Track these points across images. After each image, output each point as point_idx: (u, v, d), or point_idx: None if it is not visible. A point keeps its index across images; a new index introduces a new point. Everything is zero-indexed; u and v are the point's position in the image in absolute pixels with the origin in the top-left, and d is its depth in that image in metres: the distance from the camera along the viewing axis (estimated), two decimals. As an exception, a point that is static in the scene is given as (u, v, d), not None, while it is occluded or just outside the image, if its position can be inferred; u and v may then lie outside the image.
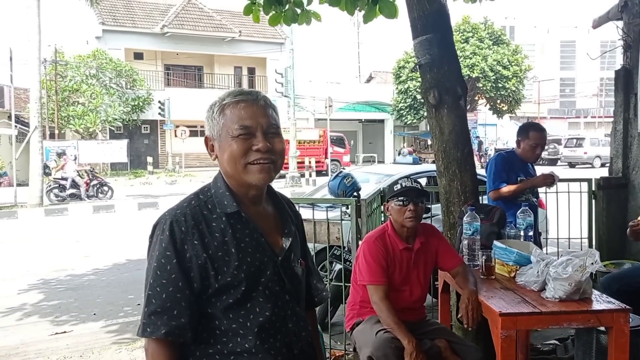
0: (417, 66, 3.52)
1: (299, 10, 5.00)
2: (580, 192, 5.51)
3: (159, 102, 26.91)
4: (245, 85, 33.17)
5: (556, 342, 4.32)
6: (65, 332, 5.43)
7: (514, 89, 30.36)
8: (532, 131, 4.09)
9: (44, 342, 5.15)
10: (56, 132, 25.21)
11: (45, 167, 17.45)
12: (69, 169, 16.94)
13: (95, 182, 17.50)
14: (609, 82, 49.64)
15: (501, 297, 2.63)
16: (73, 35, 30.08)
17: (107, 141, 25.88)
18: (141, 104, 27.43)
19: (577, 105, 52.36)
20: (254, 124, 1.49)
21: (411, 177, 3.13)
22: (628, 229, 3.73)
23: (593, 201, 5.50)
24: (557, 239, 5.62)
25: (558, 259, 2.66)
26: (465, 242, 3.20)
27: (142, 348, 4.94)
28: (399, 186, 2.91)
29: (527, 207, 3.42)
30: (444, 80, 3.43)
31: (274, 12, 4.91)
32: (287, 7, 4.95)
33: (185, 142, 27.18)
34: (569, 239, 5.65)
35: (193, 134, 29.94)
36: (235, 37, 30.49)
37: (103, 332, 5.43)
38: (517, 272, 2.88)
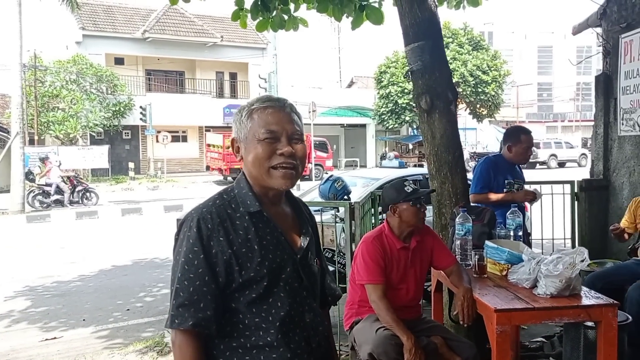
0: (409, 72, 3.62)
1: (286, 17, 5.08)
2: (564, 193, 5.67)
3: (141, 107, 26.69)
4: (227, 90, 33.12)
5: (543, 339, 4.44)
6: (55, 338, 5.41)
7: (493, 93, 30.76)
8: (522, 135, 4.25)
9: (34, 348, 5.13)
10: (36, 137, 24.89)
11: (29, 173, 17.31)
12: (54, 175, 16.74)
13: (80, 187, 17.35)
14: (586, 86, 50.62)
15: (495, 295, 2.73)
16: (53, 40, 29.80)
17: (87, 147, 25.62)
18: (122, 109, 27.21)
19: (554, 110, 53.24)
20: (279, 129, 1.58)
21: (411, 178, 3.23)
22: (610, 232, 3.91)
23: (576, 202, 5.67)
24: (542, 239, 5.78)
25: (548, 257, 2.77)
26: (458, 242, 3.30)
27: (135, 352, 4.98)
28: (409, 188, 2.99)
29: (516, 208, 3.54)
30: (435, 86, 3.54)
31: (261, 18, 4.99)
32: (274, 13, 5.03)
33: (167, 147, 27.03)
34: (553, 239, 5.82)
35: (175, 139, 29.79)
36: (217, 42, 30.45)
37: (93, 338, 5.42)
38: (509, 270, 2.99)
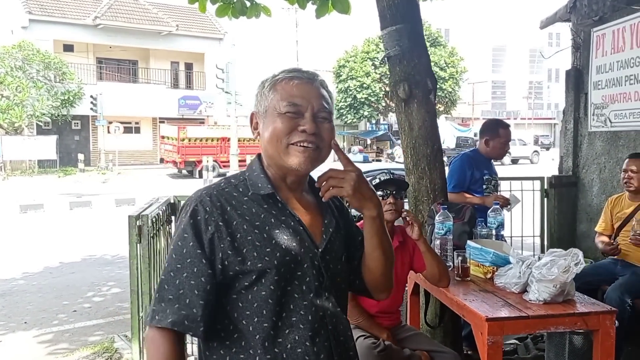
0: (386, 58, 3.36)
1: (248, 3, 4.81)
2: (533, 190, 5.57)
3: (91, 96, 25.71)
4: (182, 81, 32.30)
5: (516, 341, 4.30)
6: (-8, 343, 4.96)
7: (450, 90, 31.07)
8: (501, 128, 4.11)
9: (-32, 355, 4.68)
10: (-23, 126, 23.68)
11: None
12: None
13: None
14: (538, 85, 51.87)
15: (483, 301, 2.51)
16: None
17: (34, 137, 24.58)
18: (71, 98, 26.12)
19: (507, 107, 54.30)
20: (304, 103, 1.37)
21: (390, 171, 2.98)
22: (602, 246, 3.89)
23: (545, 199, 5.57)
24: (511, 237, 5.64)
25: (539, 259, 2.56)
26: (438, 242, 3.07)
27: (82, 359, 4.56)
28: (377, 180, 2.74)
29: (498, 206, 3.34)
30: (414, 73, 3.29)
31: (221, 2, 4.72)
32: (236, -1, 4.76)
33: (119, 138, 26.15)
34: (522, 237, 5.70)
35: (127, 130, 28.92)
36: (172, 31, 29.61)
37: (35, 342, 5.00)
38: (495, 273, 2.77)
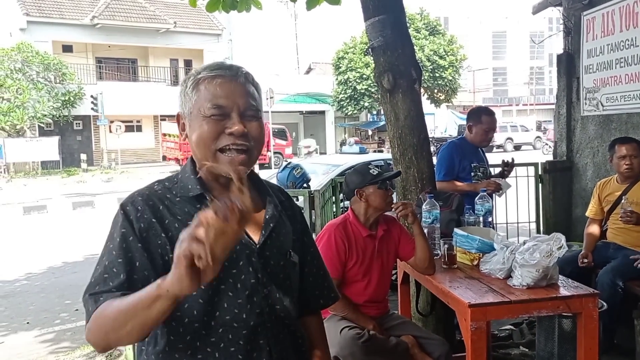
0: (370, 49, 3.37)
1: (238, -4, 4.80)
2: (528, 176, 5.57)
3: (92, 96, 25.72)
4: (182, 78, 32.12)
5: (512, 327, 4.32)
6: (-5, 344, 5.02)
7: (450, 78, 30.90)
8: (484, 115, 4.08)
9: (-29, 357, 4.73)
10: (-21, 129, 23.75)
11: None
12: None
13: None
14: (539, 70, 51.61)
15: (467, 287, 2.53)
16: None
17: (36, 138, 24.62)
18: (72, 98, 26.12)
19: (509, 94, 54.03)
20: (229, 104, 1.31)
21: (374, 163, 2.99)
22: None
23: (540, 185, 5.57)
24: (506, 223, 5.66)
25: (523, 244, 2.58)
26: (425, 230, 3.08)
27: (83, 357, 4.61)
28: (374, 171, 2.74)
29: (485, 193, 3.34)
30: (398, 63, 3.29)
31: (211, -3, 4.70)
32: (226, -9, 4.73)
33: (121, 137, 26.18)
34: (517, 223, 5.71)
35: (129, 129, 28.94)
36: (170, 28, 29.56)
37: (37, 342, 5.05)
38: (481, 259, 2.79)
